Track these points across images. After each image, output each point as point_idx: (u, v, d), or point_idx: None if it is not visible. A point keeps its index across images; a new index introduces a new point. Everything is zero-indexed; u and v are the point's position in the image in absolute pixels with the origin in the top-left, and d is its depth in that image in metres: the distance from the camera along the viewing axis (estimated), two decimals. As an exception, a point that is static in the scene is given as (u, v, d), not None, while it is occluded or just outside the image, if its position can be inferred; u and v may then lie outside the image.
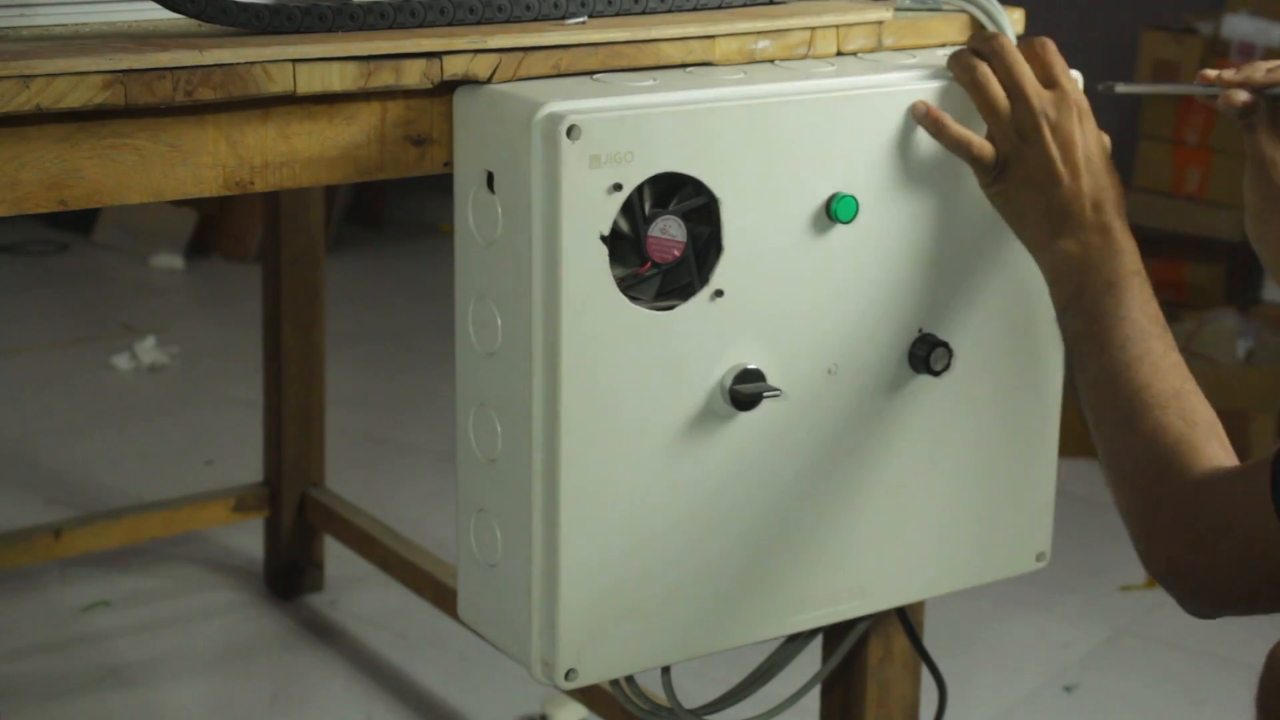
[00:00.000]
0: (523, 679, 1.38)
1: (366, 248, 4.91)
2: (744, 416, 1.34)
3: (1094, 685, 2.61)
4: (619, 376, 1.28)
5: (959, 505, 1.48)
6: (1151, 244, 3.64)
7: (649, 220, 1.27)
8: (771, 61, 1.41)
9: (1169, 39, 4.05)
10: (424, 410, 3.63)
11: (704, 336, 1.31)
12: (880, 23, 1.47)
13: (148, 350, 3.92)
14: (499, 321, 1.30)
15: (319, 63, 1.22)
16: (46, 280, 4.58)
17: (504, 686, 2.50)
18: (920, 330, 1.41)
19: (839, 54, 1.45)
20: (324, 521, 2.76)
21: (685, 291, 1.30)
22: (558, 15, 1.35)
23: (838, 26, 1.45)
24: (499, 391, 1.31)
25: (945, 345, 1.41)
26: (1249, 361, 3.46)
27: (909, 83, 1.37)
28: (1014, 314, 1.46)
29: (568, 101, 1.23)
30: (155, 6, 1.23)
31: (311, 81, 1.22)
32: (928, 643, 1.64)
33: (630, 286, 1.28)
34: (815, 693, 1.65)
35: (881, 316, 1.39)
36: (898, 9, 1.52)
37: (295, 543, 2.80)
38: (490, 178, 1.28)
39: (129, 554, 2.88)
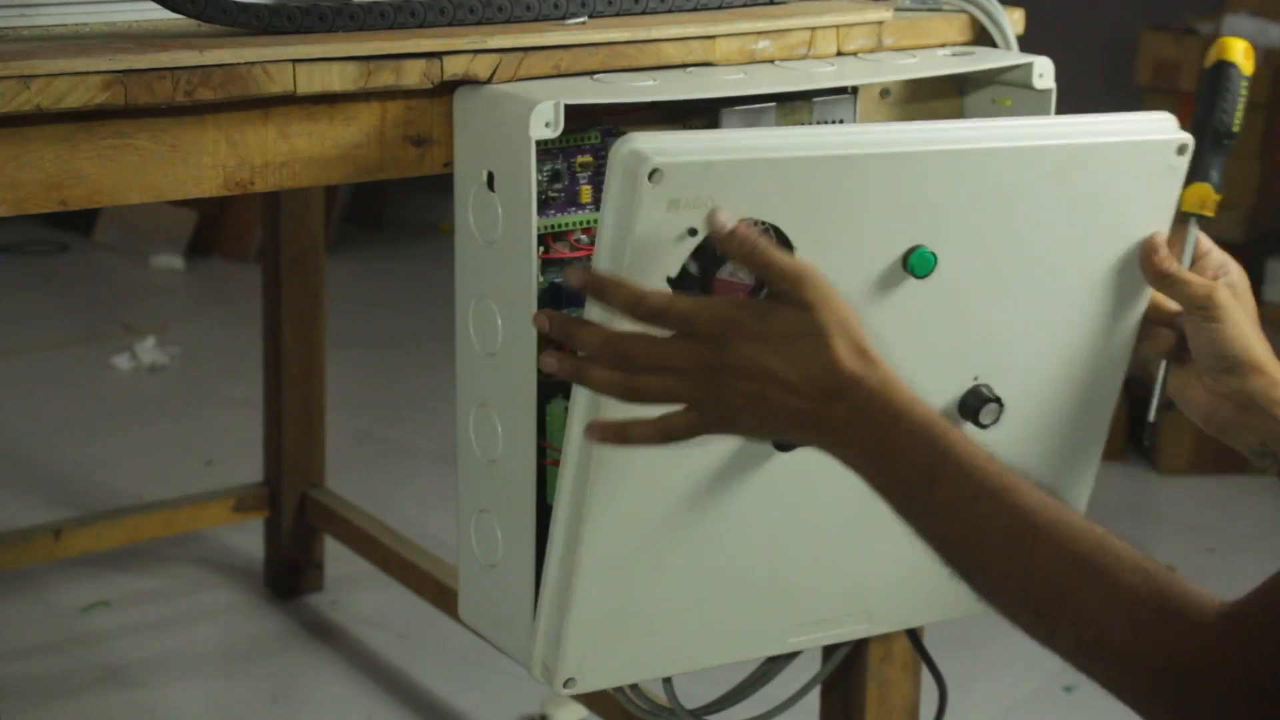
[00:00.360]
0: (523, 679, 1.37)
1: (366, 248, 4.91)
2: (778, 455, 1.31)
3: (1094, 685, 2.61)
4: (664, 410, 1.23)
5: None
6: (1151, 244, 3.65)
7: (719, 261, 1.22)
8: (771, 62, 1.41)
9: (1169, 39, 4.05)
10: (424, 411, 3.63)
11: None
12: (880, 23, 1.47)
13: (148, 350, 3.93)
14: (499, 321, 1.29)
15: (319, 63, 1.22)
16: (46, 280, 4.58)
17: (504, 686, 2.50)
18: (975, 379, 1.37)
19: (839, 54, 1.45)
20: (324, 521, 2.76)
21: None
22: (558, 15, 1.35)
23: (838, 26, 1.45)
24: (499, 392, 1.31)
25: (998, 401, 1.36)
26: (1249, 361, 3.46)
27: (1006, 139, 1.31)
28: (1072, 369, 1.41)
29: (653, 141, 1.17)
30: (155, 6, 1.23)
31: (311, 81, 1.22)
32: (928, 643, 1.64)
33: None
34: (815, 693, 1.65)
35: (938, 365, 1.35)
36: (898, 9, 1.52)
37: (295, 543, 2.80)
38: (490, 178, 1.28)
39: (129, 554, 2.88)
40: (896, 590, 1.44)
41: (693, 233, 1.18)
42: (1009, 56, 1.49)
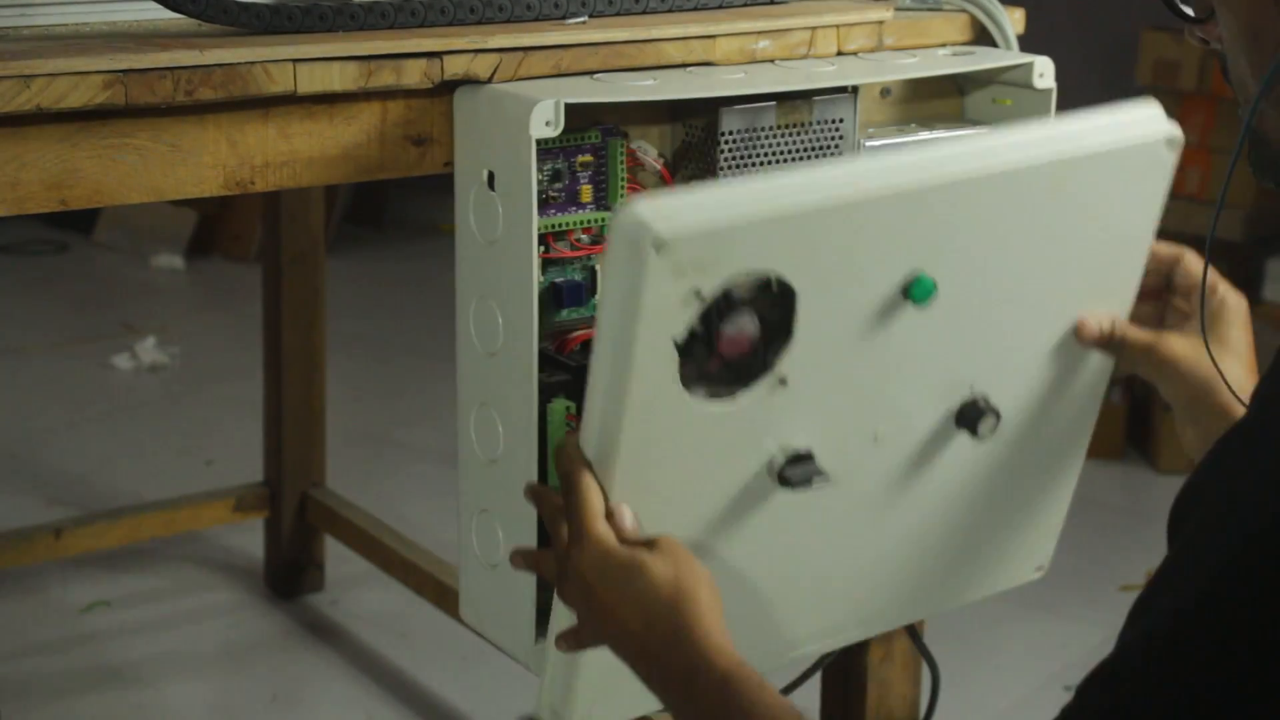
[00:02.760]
0: (522, 679, 1.37)
1: (366, 248, 4.91)
2: (786, 492, 1.27)
3: (1094, 685, 2.60)
4: (670, 461, 1.21)
5: (973, 535, 1.44)
6: (1151, 244, 3.65)
7: (722, 317, 1.18)
8: (772, 61, 1.41)
9: (1169, 39, 4.05)
10: (424, 410, 3.63)
11: (761, 422, 1.24)
12: (880, 22, 1.47)
13: (148, 350, 3.93)
14: (500, 321, 1.30)
15: (319, 63, 1.22)
16: (46, 280, 4.58)
17: (504, 686, 2.50)
18: (971, 388, 1.34)
19: (839, 54, 1.45)
20: (324, 521, 2.76)
21: (748, 378, 1.22)
22: (558, 15, 1.35)
23: (838, 26, 1.45)
24: (500, 391, 1.31)
25: (995, 413, 1.34)
26: (1249, 361, 3.46)
27: (1003, 162, 1.26)
28: (1063, 373, 1.39)
29: (656, 206, 1.12)
30: (155, 6, 1.23)
31: (312, 81, 1.22)
32: (928, 642, 1.64)
33: (693, 380, 1.20)
34: (816, 693, 1.65)
35: (936, 384, 1.33)
36: (898, 9, 1.52)
37: (295, 543, 2.80)
38: (491, 177, 1.28)
39: (129, 554, 2.88)
40: (895, 595, 1.43)
41: (698, 294, 1.14)
42: (1009, 56, 1.49)
